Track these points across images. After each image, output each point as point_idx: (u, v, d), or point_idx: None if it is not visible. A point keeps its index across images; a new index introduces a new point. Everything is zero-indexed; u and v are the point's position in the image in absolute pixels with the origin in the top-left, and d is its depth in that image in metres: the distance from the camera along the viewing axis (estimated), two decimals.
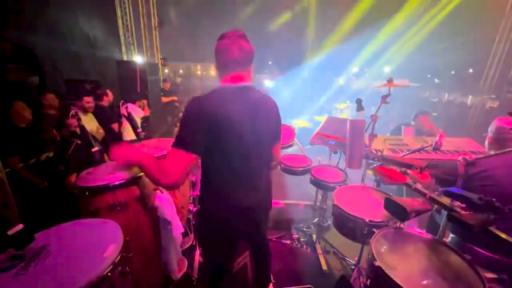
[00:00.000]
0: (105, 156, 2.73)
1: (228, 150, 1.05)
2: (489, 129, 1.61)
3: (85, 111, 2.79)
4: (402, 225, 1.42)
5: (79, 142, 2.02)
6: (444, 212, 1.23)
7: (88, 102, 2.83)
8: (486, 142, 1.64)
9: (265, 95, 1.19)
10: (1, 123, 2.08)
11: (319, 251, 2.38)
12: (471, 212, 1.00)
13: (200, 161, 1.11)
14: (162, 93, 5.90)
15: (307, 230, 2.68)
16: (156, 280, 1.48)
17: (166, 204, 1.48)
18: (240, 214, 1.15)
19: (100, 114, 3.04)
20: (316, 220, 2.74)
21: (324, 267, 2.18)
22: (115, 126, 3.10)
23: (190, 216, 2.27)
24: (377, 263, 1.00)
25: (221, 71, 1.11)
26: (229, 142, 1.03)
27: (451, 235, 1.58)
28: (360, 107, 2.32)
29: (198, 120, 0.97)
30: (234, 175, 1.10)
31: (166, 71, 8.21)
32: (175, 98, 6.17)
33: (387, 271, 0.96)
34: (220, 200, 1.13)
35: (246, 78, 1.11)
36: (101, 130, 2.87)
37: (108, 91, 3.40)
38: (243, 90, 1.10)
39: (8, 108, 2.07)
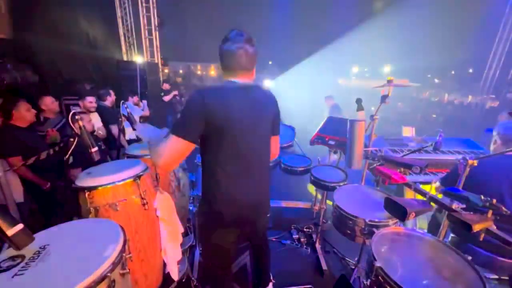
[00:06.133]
0: (106, 156, 2.75)
1: (227, 144, 1.08)
2: (495, 132, 1.54)
3: (88, 111, 2.80)
4: (402, 225, 1.43)
5: (79, 139, 2.02)
6: (445, 212, 1.23)
7: (91, 102, 2.85)
8: (493, 146, 1.57)
9: (265, 91, 1.24)
10: (3, 122, 2.07)
11: (319, 251, 2.38)
12: (471, 212, 1.00)
13: (200, 156, 1.17)
14: (162, 93, 5.90)
15: (307, 230, 2.68)
16: (155, 280, 1.47)
17: (166, 204, 1.48)
18: (240, 207, 1.17)
19: (103, 114, 3.05)
20: (316, 220, 2.74)
21: (324, 267, 2.18)
22: (113, 127, 3.11)
23: (190, 216, 2.27)
24: (377, 263, 1.00)
25: (226, 73, 1.14)
26: (229, 135, 1.07)
27: (451, 235, 1.58)
28: (360, 107, 2.32)
29: (198, 110, 1.03)
30: (234, 168, 1.12)
31: (166, 71, 8.20)
32: (176, 92, 6.18)
33: (387, 271, 0.96)
34: (220, 194, 1.14)
35: (250, 78, 1.16)
36: (101, 132, 2.87)
37: (111, 91, 3.41)
38: (245, 87, 1.13)
39: (11, 108, 2.06)
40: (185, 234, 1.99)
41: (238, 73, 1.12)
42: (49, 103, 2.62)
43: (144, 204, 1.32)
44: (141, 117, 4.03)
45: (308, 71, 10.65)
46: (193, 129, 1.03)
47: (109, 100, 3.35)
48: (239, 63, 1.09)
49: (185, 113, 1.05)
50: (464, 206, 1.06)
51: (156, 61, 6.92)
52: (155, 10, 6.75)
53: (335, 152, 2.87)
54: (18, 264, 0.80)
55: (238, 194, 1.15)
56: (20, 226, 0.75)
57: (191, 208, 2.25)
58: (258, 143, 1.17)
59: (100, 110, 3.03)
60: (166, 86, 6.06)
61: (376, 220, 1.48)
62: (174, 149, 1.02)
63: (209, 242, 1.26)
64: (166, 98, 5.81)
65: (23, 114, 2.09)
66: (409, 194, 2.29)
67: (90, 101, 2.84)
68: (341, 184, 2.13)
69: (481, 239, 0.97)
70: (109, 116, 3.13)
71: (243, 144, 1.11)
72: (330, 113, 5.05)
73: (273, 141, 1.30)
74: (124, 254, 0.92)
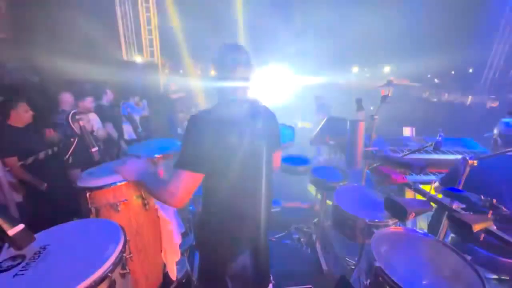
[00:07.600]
0: (106, 156, 2.75)
1: (230, 162, 1.06)
2: (496, 131, 1.53)
3: (88, 111, 2.82)
4: (402, 225, 1.43)
5: (79, 139, 2.02)
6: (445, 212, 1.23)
7: (91, 102, 2.88)
8: (494, 146, 1.56)
9: (263, 107, 1.22)
10: (0, 122, 2.07)
11: (319, 251, 2.38)
12: (471, 212, 1.00)
13: None
14: (169, 91, 5.92)
15: (307, 230, 2.67)
16: (156, 280, 1.48)
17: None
18: (241, 225, 1.16)
19: (100, 113, 3.05)
20: (316, 220, 2.74)
21: (324, 267, 2.18)
22: (108, 125, 3.13)
23: (190, 216, 2.27)
24: (377, 263, 1.00)
25: (222, 89, 1.12)
26: (232, 154, 1.04)
27: (451, 235, 1.58)
28: (360, 107, 2.32)
29: (201, 138, 0.97)
30: (236, 186, 1.10)
31: (166, 71, 8.20)
32: (182, 94, 6.22)
33: (387, 271, 0.96)
34: (221, 209, 1.13)
35: (247, 91, 1.14)
36: (101, 132, 2.87)
37: (107, 90, 3.42)
38: (243, 103, 1.12)
39: (10, 108, 2.05)
40: (185, 234, 1.99)
41: (235, 88, 1.09)
42: (68, 97, 2.80)
43: (145, 205, 1.32)
44: (141, 117, 4.03)
45: (307, 71, 10.64)
46: (202, 159, 0.97)
47: (106, 99, 3.35)
48: (236, 77, 1.07)
49: (189, 144, 0.98)
50: (464, 206, 1.06)
51: (156, 61, 6.93)
52: (155, 10, 6.75)
53: (335, 152, 2.88)
54: (18, 264, 0.80)
55: (241, 211, 1.13)
56: (21, 226, 0.75)
57: (191, 208, 2.25)
58: (261, 160, 1.15)
59: (97, 109, 3.04)
60: (172, 85, 6.10)
61: (376, 220, 1.48)
62: (187, 184, 0.96)
63: (209, 258, 1.27)
64: (174, 96, 5.86)
65: (21, 115, 2.09)
66: (409, 194, 2.29)
67: (91, 101, 2.87)
68: (341, 184, 2.13)
69: (481, 239, 0.97)
70: (106, 114, 3.13)
71: (246, 162, 1.08)
72: (319, 111, 5.21)
73: (275, 155, 1.30)
74: (124, 254, 0.92)
